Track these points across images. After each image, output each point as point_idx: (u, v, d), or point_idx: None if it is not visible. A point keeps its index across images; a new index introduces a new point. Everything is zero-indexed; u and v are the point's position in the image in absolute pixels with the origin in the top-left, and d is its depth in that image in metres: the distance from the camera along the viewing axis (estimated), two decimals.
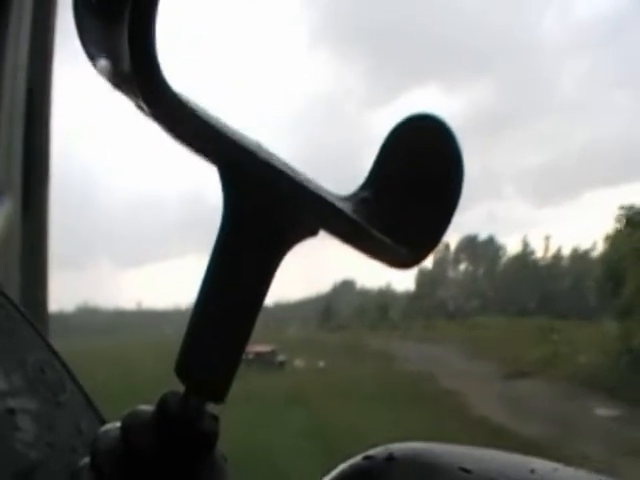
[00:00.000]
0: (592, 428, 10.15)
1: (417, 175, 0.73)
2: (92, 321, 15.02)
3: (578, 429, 10.04)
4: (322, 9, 19.14)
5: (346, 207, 0.71)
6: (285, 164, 0.68)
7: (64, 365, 0.80)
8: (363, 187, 0.74)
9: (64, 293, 12.01)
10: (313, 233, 0.67)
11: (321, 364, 13.15)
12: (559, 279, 18.18)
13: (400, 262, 0.73)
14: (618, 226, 12.73)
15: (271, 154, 0.68)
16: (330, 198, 0.68)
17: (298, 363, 13.27)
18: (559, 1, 18.02)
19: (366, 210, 0.72)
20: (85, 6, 0.59)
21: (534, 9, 18.32)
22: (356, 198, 0.74)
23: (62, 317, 12.88)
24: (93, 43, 0.60)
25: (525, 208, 20.79)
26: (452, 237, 19.13)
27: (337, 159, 18.35)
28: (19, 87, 1.89)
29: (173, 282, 17.08)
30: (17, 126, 1.88)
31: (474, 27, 17.40)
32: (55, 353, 0.80)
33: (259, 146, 0.68)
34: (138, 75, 0.57)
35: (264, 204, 0.64)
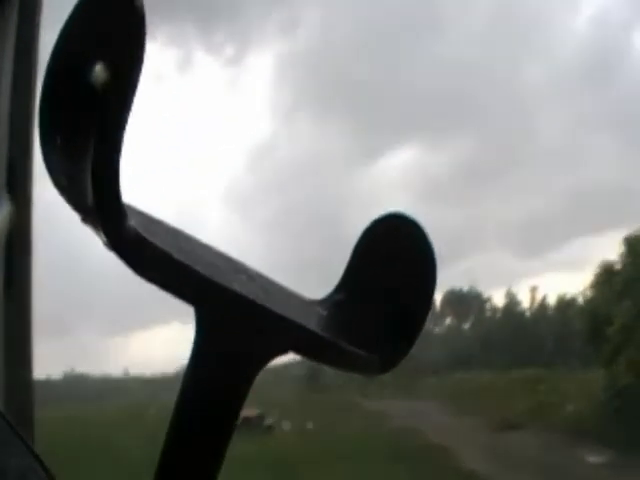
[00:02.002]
0: (583, 476, 10.11)
1: (391, 277, 0.73)
2: (79, 388, 14.89)
3: (570, 477, 10.00)
4: (303, 72, 19.27)
5: (319, 314, 0.73)
6: (256, 277, 0.71)
7: (46, 470, 0.79)
8: (337, 289, 0.75)
9: (51, 360, 11.93)
10: (284, 352, 0.68)
11: (309, 426, 13.06)
12: (545, 329, 18.14)
13: (371, 370, 0.74)
14: (600, 274, 12.85)
15: (242, 272, 0.70)
16: (301, 319, 0.67)
17: (286, 426, 13.15)
18: (539, 48, 18.17)
19: (339, 315, 0.73)
20: (50, 142, 0.61)
21: (513, 58, 18.46)
22: (330, 301, 0.75)
23: (49, 384, 12.78)
24: (59, 175, 0.61)
25: (510, 260, 20.78)
26: (437, 292, 19.04)
27: (322, 219, 18.35)
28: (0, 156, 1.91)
29: (159, 348, 16.98)
30: None
31: (453, 81, 17.52)
32: (37, 457, 0.80)
33: (229, 262, 0.71)
34: (101, 215, 0.57)
35: (236, 336, 0.65)
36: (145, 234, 0.59)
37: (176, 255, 0.60)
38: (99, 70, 0.57)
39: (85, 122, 0.58)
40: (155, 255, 0.59)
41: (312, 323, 0.70)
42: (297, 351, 0.68)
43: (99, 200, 0.57)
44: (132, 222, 0.59)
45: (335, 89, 18.53)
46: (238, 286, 0.65)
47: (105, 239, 0.59)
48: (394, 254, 0.74)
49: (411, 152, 21.07)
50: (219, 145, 19.97)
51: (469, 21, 18.56)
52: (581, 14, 20.97)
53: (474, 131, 18.81)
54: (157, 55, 16.48)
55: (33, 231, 1.95)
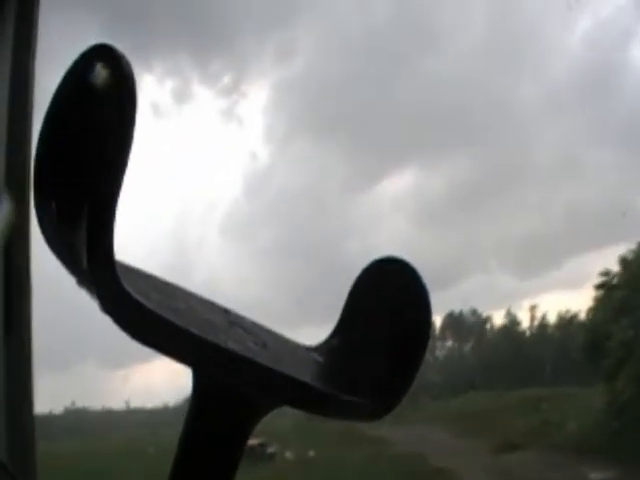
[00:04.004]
0: None
1: (385, 322, 0.74)
2: (81, 422, 14.78)
3: None
4: (299, 99, 19.21)
5: (315, 361, 0.74)
6: (251, 329, 0.71)
7: None
8: (333, 334, 0.77)
9: (53, 395, 11.84)
10: (281, 406, 0.69)
11: (311, 453, 12.95)
12: (546, 348, 18.04)
13: (368, 417, 0.75)
14: (598, 291, 12.83)
15: (238, 324, 0.71)
16: (297, 371, 0.68)
17: (288, 454, 13.05)
18: (534, 66, 18.08)
19: (336, 361, 0.74)
20: (45, 207, 0.61)
21: (508, 76, 18.37)
22: (326, 347, 0.76)
23: (51, 419, 12.72)
24: (54, 239, 0.62)
25: (509, 280, 20.60)
26: (437, 314, 18.96)
27: (319, 247, 18.23)
28: None
29: (160, 381, 16.86)
30: None
31: (450, 102, 17.43)
32: None
33: (224, 314, 0.72)
34: (95, 281, 0.58)
35: (233, 394, 0.67)
36: (139, 297, 0.59)
37: (171, 318, 0.60)
38: (100, 69, 0.58)
39: (79, 188, 0.58)
40: (150, 320, 0.59)
41: (308, 372, 0.72)
42: (293, 406, 0.68)
43: (93, 267, 0.57)
44: (126, 285, 0.58)
45: (331, 116, 18.50)
46: (233, 343, 0.65)
47: (100, 305, 0.59)
48: (388, 299, 0.75)
49: (408, 176, 20.97)
50: (216, 174, 19.93)
51: (465, 42, 18.53)
52: (576, 30, 20.88)
53: (470, 152, 18.75)
54: (154, 86, 16.56)
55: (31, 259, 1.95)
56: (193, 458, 0.68)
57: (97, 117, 0.58)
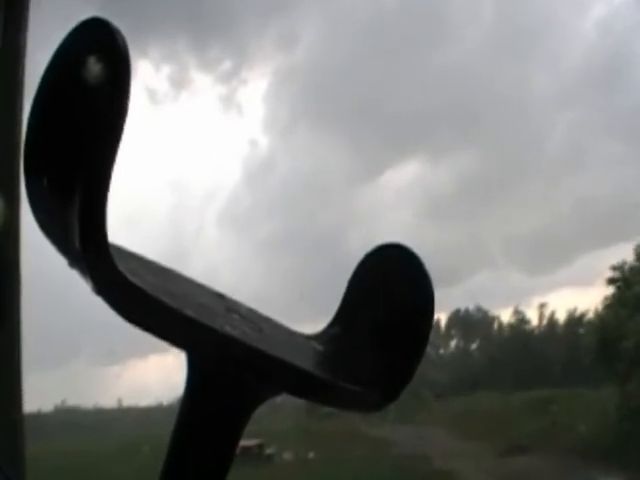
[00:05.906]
0: None
1: (386, 310, 0.73)
2: (71, 421, 14.80)
3: None
4: (301, 88, 19.12)
5: (314, 350, 0.73)
6: (248, 315, 0.70)
7: None
8: (333, 322, 0.75)
9: (42, 393, 11.86)
10: (278, 394, 0.67)
11: (311, 455, 12.86)
12: (555, 347, 18.04)
13: (369, 407, 0.73)
14: (610, 288, 12.69)
15: (234, 310, 0.69)
16: (296, 358, 0.66)
17: (287, 456, 12.96)
18: (544, 55, 17.98)
19: (335, 350, 0.73)
20: (37, 188, 0.59)
21: (517, 67, 18.25)
22: (326, 336, 0.75)
23: (40, 417, 12.68)
24: (46, 220, 0.60)
25: (517, 277, 20.56)
26: (443, 312, 18.96)
27: (322, 238, 18.21)
28: None
29: (154, 378, 16.91)
30: None
31: (456, 93, 17.38)
32: None
33: (220, 300, 0.70)
34: (88, 261, 0.56)
35: (228, 379, 0.64)
36: (133, 278, 0.58)
37: (166, 300, 0.59)
38: (92, 63, 0.57)
39: (72, 163, 0.58)
40: (144, 301, 0.58)
41: (307, 360, 0.70)
42: (291, 393, 0.67)
43: (85, 246, 0.56)
44: (120, 266, 0.58)
45: (334, 105, 18.41)
46: (230, 328, 0.64)
47: (93, 285, 0.58)
48: (389, 286, 0.74)
49: (413, 168, 20.88)
50: (215, 163, 19.95)
51: (472, 33, 18.47)
52: (589, 20, 20.80)
53: (478, 145, 18.68)
54: (150, 72, 16.44)
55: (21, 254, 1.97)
56: (186, 448, 0.66)
57: (90, 90, 0.58)
